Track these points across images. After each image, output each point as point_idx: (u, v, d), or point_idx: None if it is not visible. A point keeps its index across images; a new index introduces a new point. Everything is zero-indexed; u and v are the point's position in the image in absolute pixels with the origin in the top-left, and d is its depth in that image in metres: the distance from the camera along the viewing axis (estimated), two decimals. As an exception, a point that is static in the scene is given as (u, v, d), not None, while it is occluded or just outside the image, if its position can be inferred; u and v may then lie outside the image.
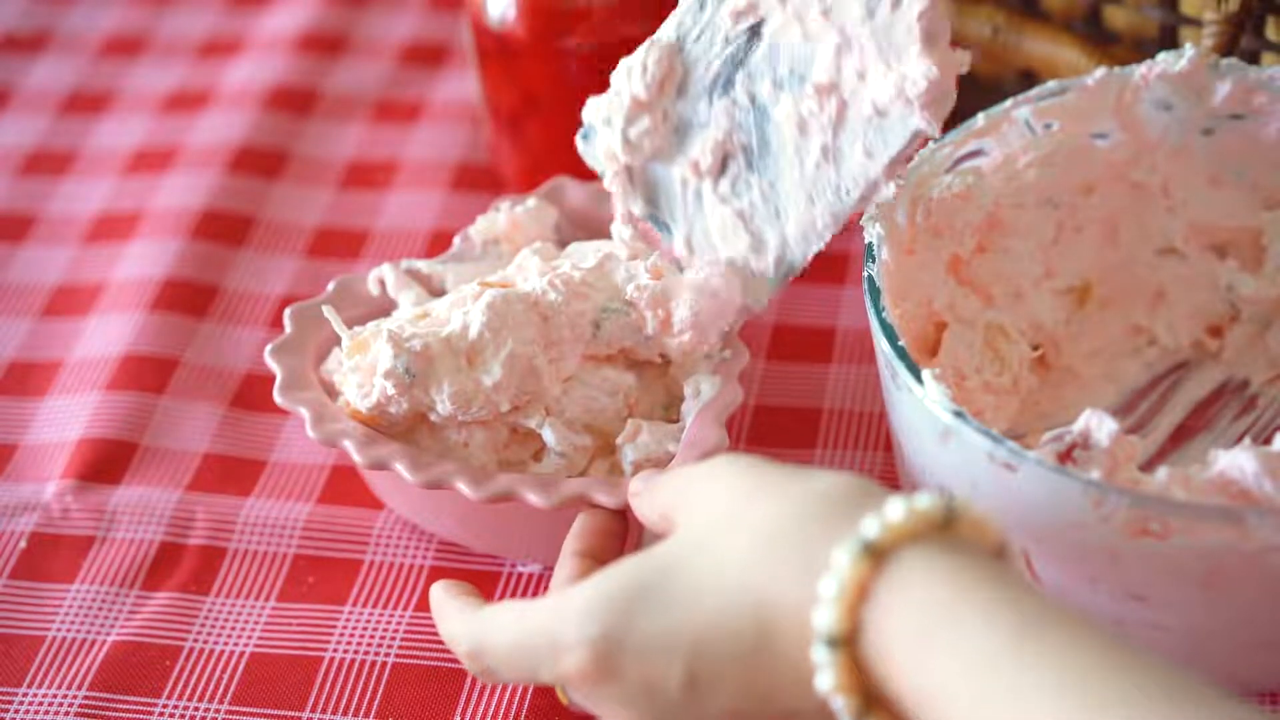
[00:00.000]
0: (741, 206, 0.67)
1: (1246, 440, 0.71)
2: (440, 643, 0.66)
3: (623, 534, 0.64)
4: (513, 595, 0.71)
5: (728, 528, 0.54)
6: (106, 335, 0.84)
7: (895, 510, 0.50)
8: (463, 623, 0.59)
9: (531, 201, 0.77)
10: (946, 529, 0.51)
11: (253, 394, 0.80)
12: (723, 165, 0.67)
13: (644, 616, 0.53)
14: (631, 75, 0.68)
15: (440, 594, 0.61)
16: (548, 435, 0.68)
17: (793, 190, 0.66)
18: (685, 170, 0.68)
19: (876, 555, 0.50)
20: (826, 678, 0.50)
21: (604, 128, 0.69)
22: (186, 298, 0.85)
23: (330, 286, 0.75)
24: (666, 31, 0.68)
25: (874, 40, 0.63)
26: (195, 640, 0.70)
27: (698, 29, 0.67)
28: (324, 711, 0.67)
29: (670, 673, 0.53)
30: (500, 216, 0.76)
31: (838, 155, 0.65)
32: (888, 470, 0.74)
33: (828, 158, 0.65)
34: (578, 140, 0.71)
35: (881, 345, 0.64)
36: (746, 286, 0.68)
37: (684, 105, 0.68)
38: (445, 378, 0.67)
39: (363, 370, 0.68)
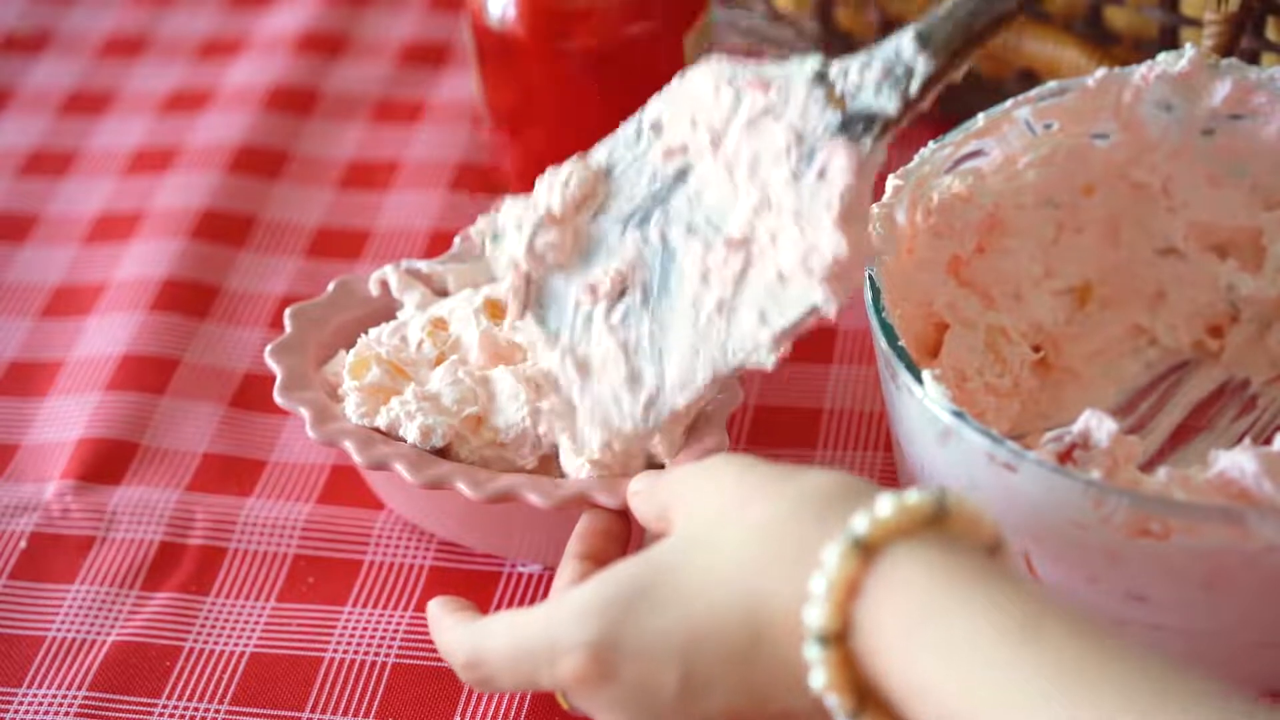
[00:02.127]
0: (627, 339, 0.65)
1: (1247, 440, 0.71)
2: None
3: (625, 535, 0.64)
4: (513, 595, 0.71)
5: (721, 527, 0.54)
6: (106, 335, 0.84)
7: (885, 507, 0.50)
8: (459, 633, 0.59)
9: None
10: (938, 525, 0.51)
11: (253, 394, 0.80)
12: (619, 295, 0.66)
13: (639, 618, 0.53)
14: (553, 189, 0.67)
15: (436, 608, 0.61)
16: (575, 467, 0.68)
17: (681, 338, 0.64)
18: (581, 292, 0.66)
19: (866, 552, 0.50)
20: (819, 676, 0.50)
21: (514, 232, 0.67)
22: (186, 298, 0.85)
23: (330, 287, 0.75)
24: (598, 154, 0.67)
25: (794, 205, 0.61)
26: (195, 640, 0.70)
27: (629, 159, 0.66)
28: (324, 712, 0.67)
29: (666, 673, 0.53)
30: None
31: (732, 313, 0.63)
32: (888, 470, 0.74)
33: (722, 313, 0.63)
34: (486, 242, 0.69)
35: (881, 345, 0.64)
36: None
37: (596, 228, 0.66)
38: (464, 447, 0.68)
39: (363, 390, 0.69)
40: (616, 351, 0.66)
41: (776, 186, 0.61)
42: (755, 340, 0.63)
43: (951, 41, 0.59)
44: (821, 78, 0.61)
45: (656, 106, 0.66)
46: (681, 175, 0.65)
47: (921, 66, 0.59)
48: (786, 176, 0.61)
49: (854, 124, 0.60)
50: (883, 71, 0.60)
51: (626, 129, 0.66)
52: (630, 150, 0.66)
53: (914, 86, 0.59)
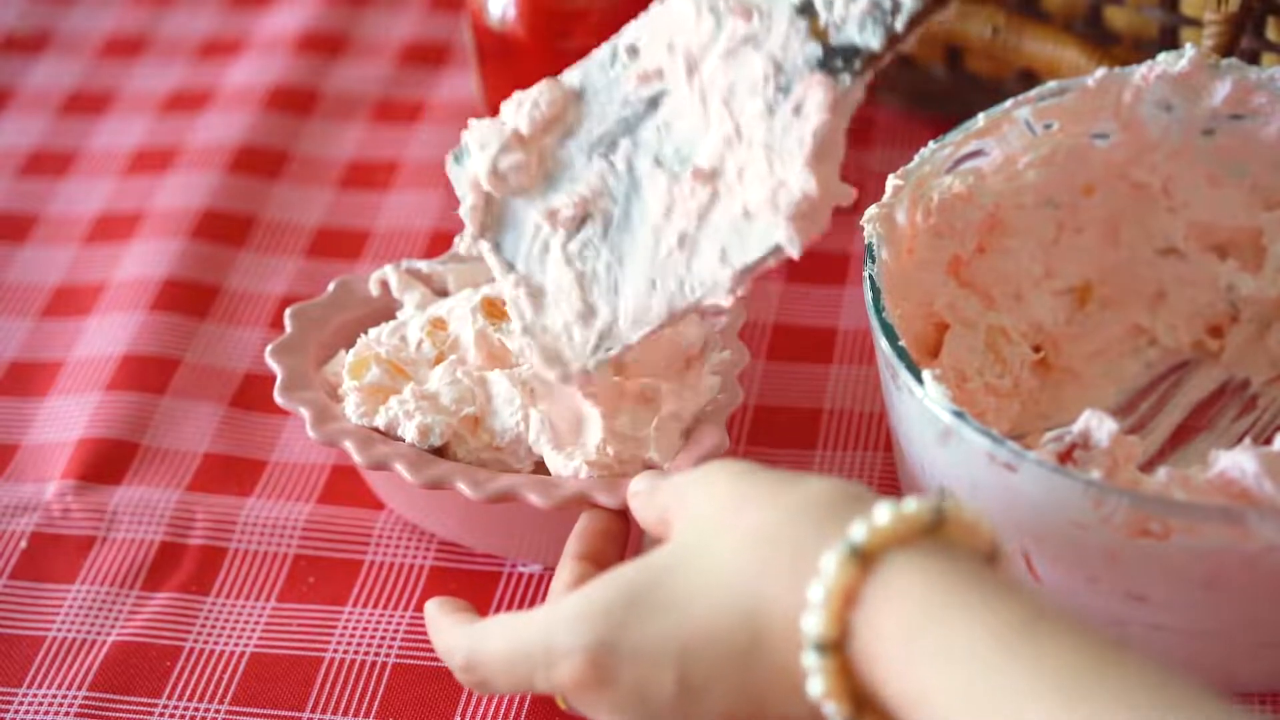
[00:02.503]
0: (584, 270, 0.65)
1: (1247, 440, 0.71)
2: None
3: (623, 536, 0.64)
4: (513, 595, 0.71)
5: (719, 532, 0.54)
6: (107, 335, 0.84)
7: (883, 515, 0.50)
8: (457, 635, 0.59)
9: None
10: (935, 532, 0.51)
11: (253, 394, 0.80)
12: (579, 224, 0.65)
13: (637, 622, 0.53)
14: (521, 108, 0.66)
15: (435, 609, 0.61)
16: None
17: (639, 271, 0.64)
18: (541, 216, 0.66)
19: (864, 559, 0.50)
20: (817, 683, 0.50)
21: (478, 152, 0.66)
22: (187, 298, 0.85)
23: (330, 287, 0.76)
24: (571, 76, 0.66)
25: (765, 139, 0.60)
26: (195, 640, 0.70)
27: (602, 82, 0.65)
28: (324, 712, 0.67)
29: (662, 678, 0.53)
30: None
31: (693, 248, 0.62)
32: (888, 470, 0.74)
33: (683, 248, 0.63)
34: (448, 160, 0.68)
35: (881, 345, 0.64)
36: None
37: (563, 152, 0.65)
38: (462, 447, 0.68)
39: (363, 390, 0.69)
40: (572, 283, 0.65)
41: (750, 118, 0.60)
42: (714, 278, 0.62)
43: None
44: (806, 8, 0.60)
45: (634, 29, 0.64)
46: (654, 103, 0.64)
47: (909, 2, 0.58)
48: (761, 109, 0.60)
49: (835, 58, 0.59)
50: (869, 5, 0.59)
51: (601, 51, 0.65)
52: (604, 73, 0.65)
53: (899, 22, 0.58)
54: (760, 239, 0.61)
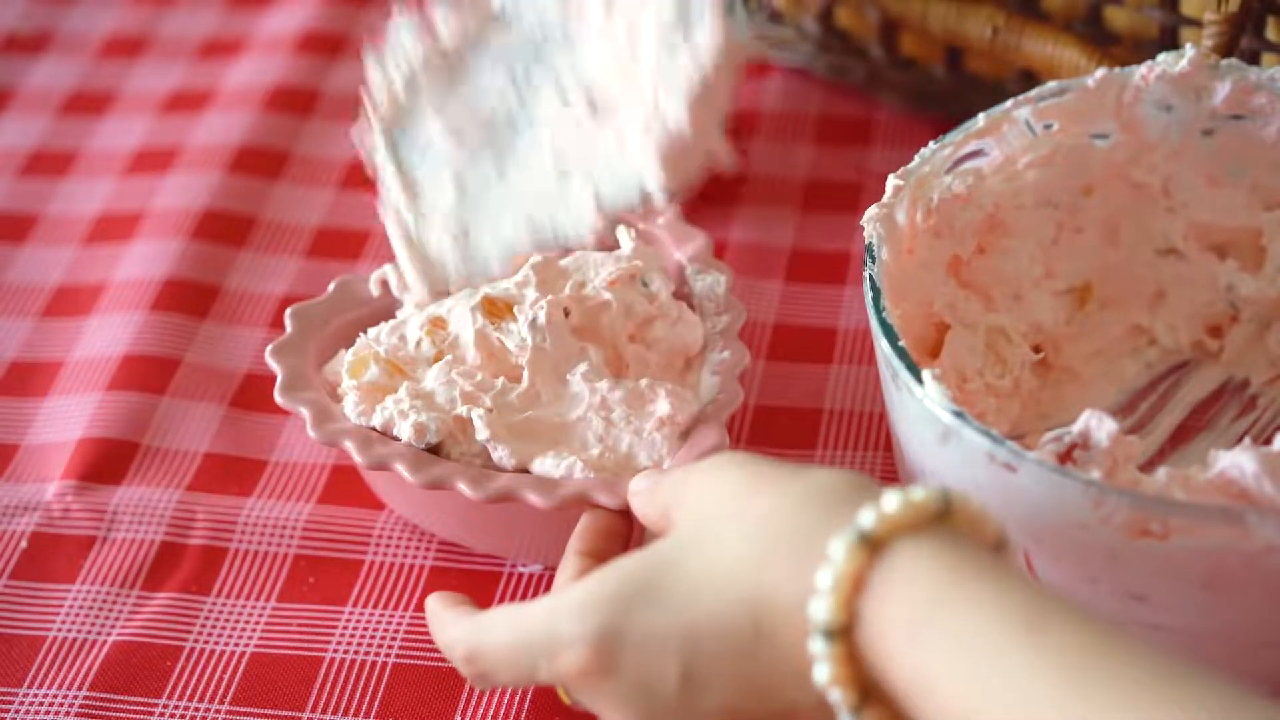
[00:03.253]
0: (465, 185, 0.66)
1: (1246, 440, 0.71)
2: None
3: (626, 534, 0.64)
4: (513, 595, 0.71)
5: (724, 523, 0.54)
6: (107, 335, 0.84)
7: (891, 502, 0.50)
8: (459, 628, 0.59)
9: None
10: (943, 521, 0.51)
11: (253, 394, 0.80)
12: (473, 143, 0.66)
13: (640, 612, 0.53)
14: (444, 24, 0.68)
15: (435, 604, 0.61)
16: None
17: (516, 198, 0.65)
18: (436, 126, 0.67)
19: (872, 546, 0.50)
20: (823, 670, 0.50)
21: (398, 55, 0.68)
22: (187, 298, 0.85)
23: (330, 287, 0.76)
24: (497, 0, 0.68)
25: (656, 77, 0.61)
26: (195, 640, 0.70)
27: (526, 7, 0.66)
28: (324, 712, 0.67)
29: (667, 668, 0.53)
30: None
31: (570, 187, 0.64)
32: (888, 470, 0.74)
33: (561, 185, 0.64)
34: (370, 59, 0.70)
35: (881, 345, 0.64)
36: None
37: (475, 61, 0.67)
38: (456, 448, 0.68)
39: (361, 389, 0.69)
40: (453, 195, 0.66)
41: (649, 57, 0.62)
42: (584, 220, 0.64)
43: None
44: None
45: None
46: (568, 34, 0.65)
47: None
48: (659, 49, 0.62)
49: (735, 12, 0.62)
50: None
51: None
52: (528, 1, 0.67)
53: None
54: (630, 181, 0.63)
